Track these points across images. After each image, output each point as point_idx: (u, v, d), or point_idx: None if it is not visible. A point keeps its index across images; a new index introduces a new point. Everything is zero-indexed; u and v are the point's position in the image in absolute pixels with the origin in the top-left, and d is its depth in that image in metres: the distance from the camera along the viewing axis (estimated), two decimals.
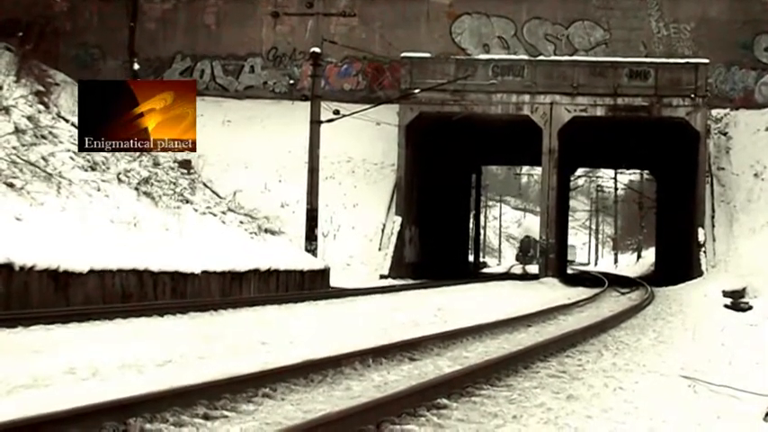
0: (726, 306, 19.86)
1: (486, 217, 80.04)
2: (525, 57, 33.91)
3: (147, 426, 5.89)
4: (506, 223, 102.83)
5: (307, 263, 23.56)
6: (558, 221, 34.87)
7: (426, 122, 31.99)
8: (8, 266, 12.65)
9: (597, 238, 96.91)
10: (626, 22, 37.38)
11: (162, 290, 16.19)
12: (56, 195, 16.50)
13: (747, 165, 33.53)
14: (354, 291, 21.48)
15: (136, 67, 32.42)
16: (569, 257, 63.57)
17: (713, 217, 31.70)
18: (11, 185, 15.53)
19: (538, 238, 35.41)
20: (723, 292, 22.33)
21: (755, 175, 33.03)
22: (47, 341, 9.50)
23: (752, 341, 12.45)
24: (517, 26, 37.88)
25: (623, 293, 25.32)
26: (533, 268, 51.65)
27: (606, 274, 43.53)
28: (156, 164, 22.88)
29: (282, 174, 32.60)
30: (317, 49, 27.80)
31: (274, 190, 31.69)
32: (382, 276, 28.79)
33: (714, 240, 30.69)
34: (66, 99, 22.60)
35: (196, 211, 21.79)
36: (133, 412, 5.90)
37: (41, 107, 20.69)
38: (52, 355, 8.37)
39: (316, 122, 27.26)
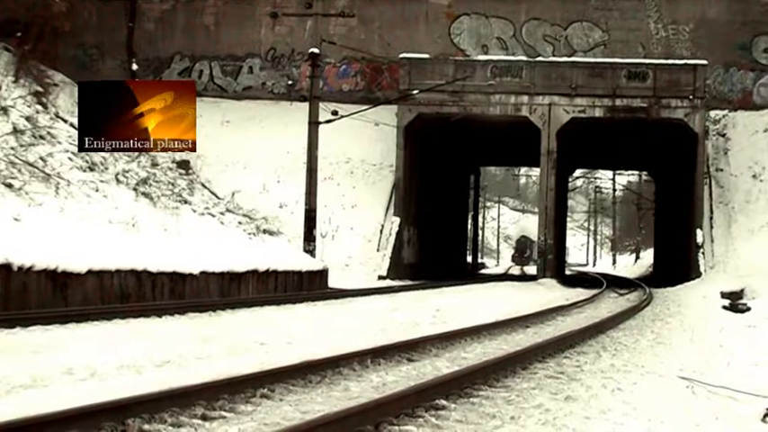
0: (724, 307, 19.82)
1: (484, 218, 79.92)
2: (524, 58, 33.89)
3: (146, 426, 5.90)
4: (505, 224, 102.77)
5: (305, 263, 23.54)
6: (556, 222, 34.87)
7: (425, 123, 31.99)
8: (6, 267, 12.65)
9: (596, 239, 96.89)
10: (624, 23, 37.37)
11: (160, 290, 16.19)
12: (54, 196, 16.50)
13: (746, 166, 33.53)
14: (353, 291, 21.47)
15: (134, 67, 32.47)
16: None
17: (711, 218, 31.71)
18: (9, 186, 15.53)
19: (535, 239, 35.39)
20: (721, 293, 22.29)
21: (754, 176, 33.04)
22: (45, 341, 9.51)
23: (750, 342, 12.44)
24: (516, 27, 37.86)
25: (621, 294, 25.30)
26: (530, 269, 51.65)
27: (604, 275, 43.54)
28: (155, 164, 22.87)
29: (281, 174, 32.60)
30: (316, 50, 27.79)
31: (273, 190, 31.69)
32: (381, 277, 28.81)
33: (712, 241, 30.71)
34: (65, 99, 22.60)
35: (194, 211, 21.78)
36: (131, 413, 5.92)
37: (40, 107, 20.67)
38: (51, 356, 8.38)
39: (314, 123, 27.23)
